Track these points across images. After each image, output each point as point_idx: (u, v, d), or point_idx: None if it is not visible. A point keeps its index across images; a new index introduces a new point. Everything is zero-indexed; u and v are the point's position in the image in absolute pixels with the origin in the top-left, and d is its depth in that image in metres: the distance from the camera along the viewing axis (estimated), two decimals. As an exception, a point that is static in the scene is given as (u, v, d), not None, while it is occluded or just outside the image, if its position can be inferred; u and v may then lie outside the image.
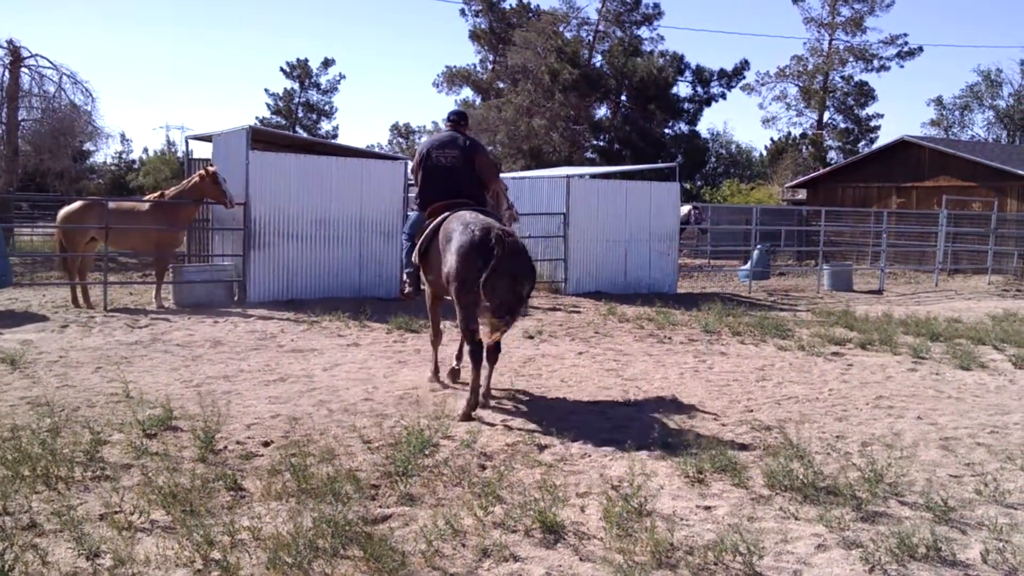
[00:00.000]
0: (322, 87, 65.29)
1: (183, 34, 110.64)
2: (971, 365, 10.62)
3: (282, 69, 64.60)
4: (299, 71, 64.22)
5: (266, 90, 67.36)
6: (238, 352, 10.32)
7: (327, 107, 65.91)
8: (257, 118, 63.47)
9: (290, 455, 5.99)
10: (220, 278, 14.82)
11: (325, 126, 65.86)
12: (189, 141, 18.79)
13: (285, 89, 64.63)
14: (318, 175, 15.19)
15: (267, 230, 14.78)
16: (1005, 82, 54.26)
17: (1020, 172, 26.02)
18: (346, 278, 15.48)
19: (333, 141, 46.97)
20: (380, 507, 5.22)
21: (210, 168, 14.61)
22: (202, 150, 18.09)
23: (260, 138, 16.47)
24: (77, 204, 14.67)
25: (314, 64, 64.41)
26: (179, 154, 46.85)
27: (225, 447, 6.36)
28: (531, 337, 11.90)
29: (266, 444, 6.49)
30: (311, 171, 15.17)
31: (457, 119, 8.78)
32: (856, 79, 53.39)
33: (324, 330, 12.05)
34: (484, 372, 7.64)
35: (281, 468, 5.71)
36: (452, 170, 8.29)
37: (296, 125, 63.16)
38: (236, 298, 14.83)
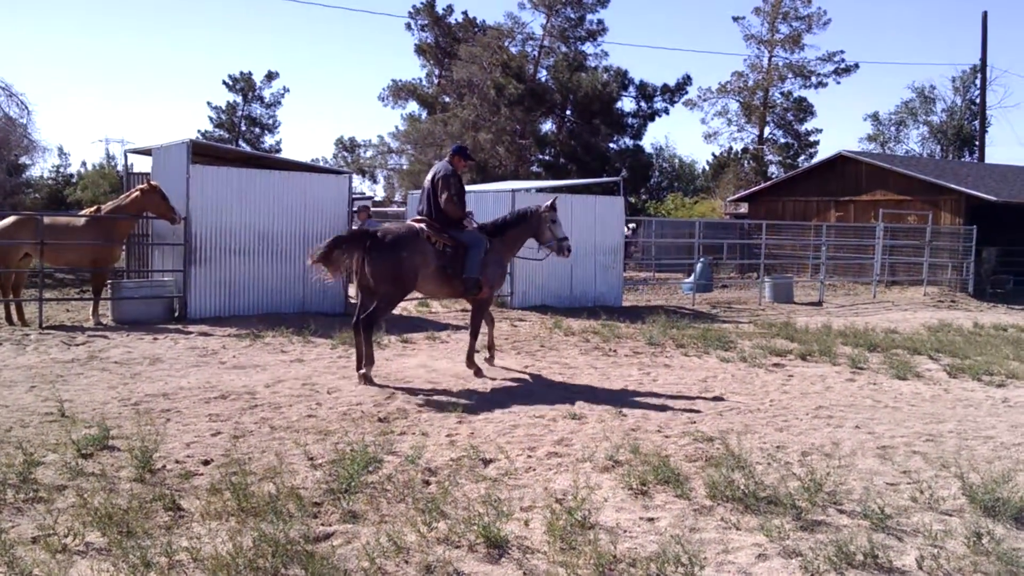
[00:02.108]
0: (266, 100, 64.61)
1: (123, 46, 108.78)
2: (907, 375, 10.87)
3: (225, 82, 63.80)
4: (242, 84, 63.50)
5: (208, 103, 66.76)
6: (178, 369, 10.14)
7: (271, 121, 65.20)
8: (199, 131, 62.59)
9: (231, 473, 5.90)
10: (159, 294, 14.55)
11: (269, 140, 65.15)
12: (128, 155, 18.47)
13: (228, 102, 63.82)
14: (261, 189, 15.03)
15: (208, 245, 14.57)
16: (938, 99, 55.80)
17: (953, 186, 26.72)
18: (289, 293, 15.32)
19: (277, 155, 46.51)
20: (322, 525, 5.16)
21: (153, 182, 14.38)
22: (142, 164, 17.82)
23: (201, 152, 16.26)
24: (10, 219, 14.31)
25: (257, 77, 63.74)
26: (118, 168, 45.95)
27: (164, 466, 6.23)
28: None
29: (206, 463, 6.39)
30: (254, 185, 15.00)
31: (451, 152, 10.51)
32: (795, 95, 54.39)
33: (267, 346, 11.91)
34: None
35: (221, 487, 5.61)
36: (425, 192, 10.19)
37: (239, 139, 62.38)
38: (176, 314, 14.57)
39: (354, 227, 15.20)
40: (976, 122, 44.37)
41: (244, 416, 7.87)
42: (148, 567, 4.40)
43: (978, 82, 40.88)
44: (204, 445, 6.86)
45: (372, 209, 32.65)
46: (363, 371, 9.62)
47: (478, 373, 10.24)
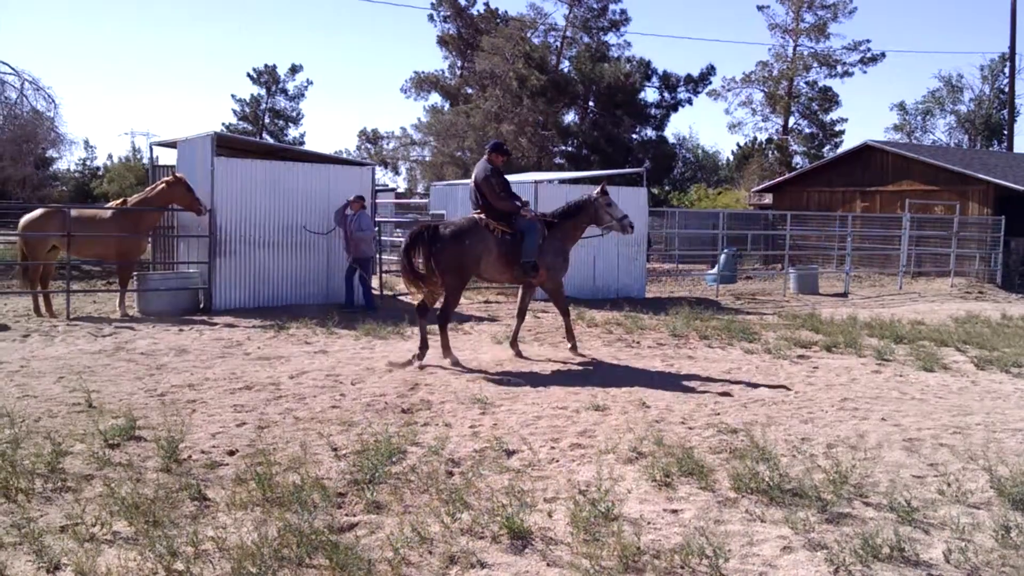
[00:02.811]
0: (289, 93, 65.07)
1: (149, 39, 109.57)
2: (934, 367, 10.76)
3: (249, 75, 64.31)
4: (266, 77, 63.91)
5: (233, 96, 67.20)
6: (203, 360, 10.22)
7: (294, 113, 65.69)
8: (224, 124, 63.07)
9: (255, 464, 5.94)
10: (185, 286, 14.67)
11: (292, 132, 65.59)
12: (154, 148, 18.61)
13: (252, 95, 64.31)
14: (284, 181, 15.11)
15: (233, 237, 14.66)
16: (966, 87, 55.26)
17: (981, 176, 26.42)
18: (314, 285, 15.40)
19: (300, 147, 46.73)
20: (347, 515, 5.18)
21: (178, 174, 14.49)
22: (167, 156, 17.88)
23: (226, 144, 16.36)
24: (38, 212, 14.47)
25: (281, 70, 64.22)
26: (144, 161, 46.34)
27: (189, 456, 6.28)
28: (499, 342, 11.89)
29: (231, 453, 6.43)
30: (277, 177, 15.08)
31: (488, 150, 10.97)
32: (820, 84, 53.96)
33: (291, 337, 11.97)
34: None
35: (246, 477, 5.66)
36: (472, 192, 10.75)
37: (263, 131, 62.81)
38: (202, 306, 14.68)
39: (347, 216, 15.04)
40: (1005, 111, 43.81)
41: (269, 407, 7.92)
42: (174, 556, 4.44)
43: (1007, 70, 40.37)
44: (229, 435, 6.91)
45: (396, 200, 32.72)
46: (449, 358, 10.28)
47: (519, 355, 10.92)
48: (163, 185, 14.38)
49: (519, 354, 10.94)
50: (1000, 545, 4.87)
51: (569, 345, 11.26)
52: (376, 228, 16.55)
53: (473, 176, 10.81)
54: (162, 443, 6.22)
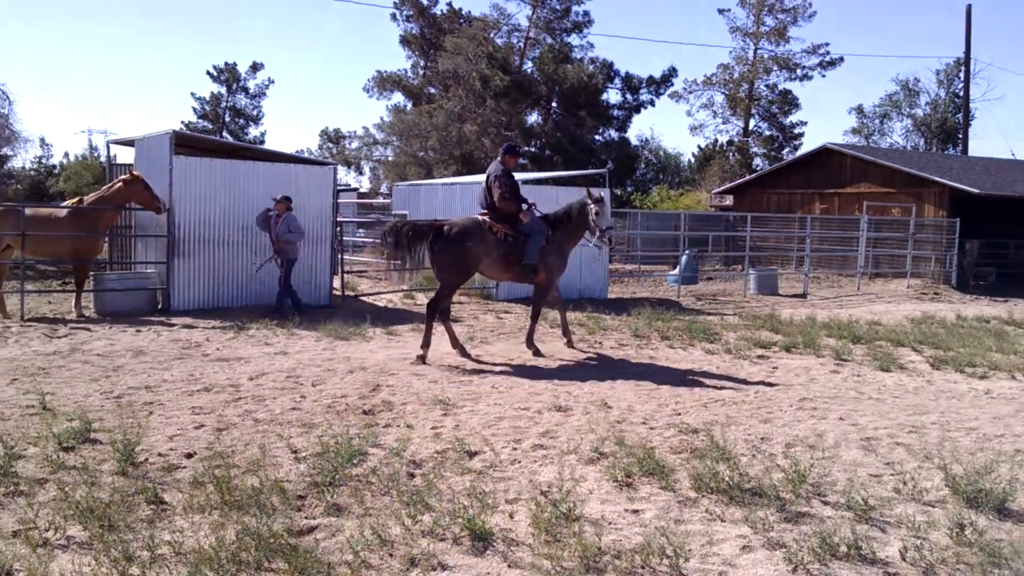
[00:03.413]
0: (250, 91, 64.30)
1: (107, 36, 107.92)
2: (891, 367, 10.92)
3: (209, 73, 63.47)
4: (227, 75, 63.14)
5: (192, 94, 66.17)
6: (161, 362, 10.08)
7: (255, 112, 64.92)
8: (183, 123, 62.21)
9: (214, 467, 5.87)
10: (143, 286, 14.46)
11: (253, 131, 64.84)
12: (111, 146, 18.34)
13: (212, 93, 63.50)
14: (245, 180, 14.95)
15: (191, 237, 14.48)
16: (923, 92, 56.09)
17: (937, 179, 26.85)
18: (274, 285, 15.23)
19: (261, 146, 46.28)
20: (306, 518, 5.14)
21: (135, 172, 14.28)
22: (125, 155, 17.65)
23: (185, 143, 16.15)
24: (-8, 210, 14.18)
25: (242, 68, 63.48)
26: (101, 159, 45.65)
27: (146, 459, 6.19)
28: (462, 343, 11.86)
29: (189, 456, 6.35)
30: (237, 176, 14.92)
31: (501, 152, 11.31)
32: (780, 88, 54.58)
33: (251, 338, 11.85)
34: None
35: (204, 480, 5.58)
36: (482, 190, 11.13)
37: (223, 130, 62.07)
38: (159, 306, 14.49)
39: (271, 217, 14.19)
40: (960, 115, 44.58)
41: (228, 409, 7.83)
42: (130, 561, 4.37)
43: (962, 75, 41.05)
44: (187, 438, 6.82)
45: (359, 200, 32.50)
46: (424, 351, 10.55)
47: (537, 353, 11.16)
48: (120, 184, 14.16)
49: (537, 352, 11.18)
50: (955, 543, 4.95)
51: (529, 349, 11.32)
52: (336, 229, 16.39)
53: (486, 174, 11.18)
54: (118, 446, 6.12)
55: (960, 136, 42.95)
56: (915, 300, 21.79)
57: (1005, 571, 4.53)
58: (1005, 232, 28.73)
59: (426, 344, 10.59)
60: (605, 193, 11.75)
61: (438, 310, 10.94)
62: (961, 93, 42.58)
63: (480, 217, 11.02)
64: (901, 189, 27.80)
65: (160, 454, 6.36)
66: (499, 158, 11.18)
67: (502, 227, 10.85)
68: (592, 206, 11.03)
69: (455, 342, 11.09)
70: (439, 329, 11.38)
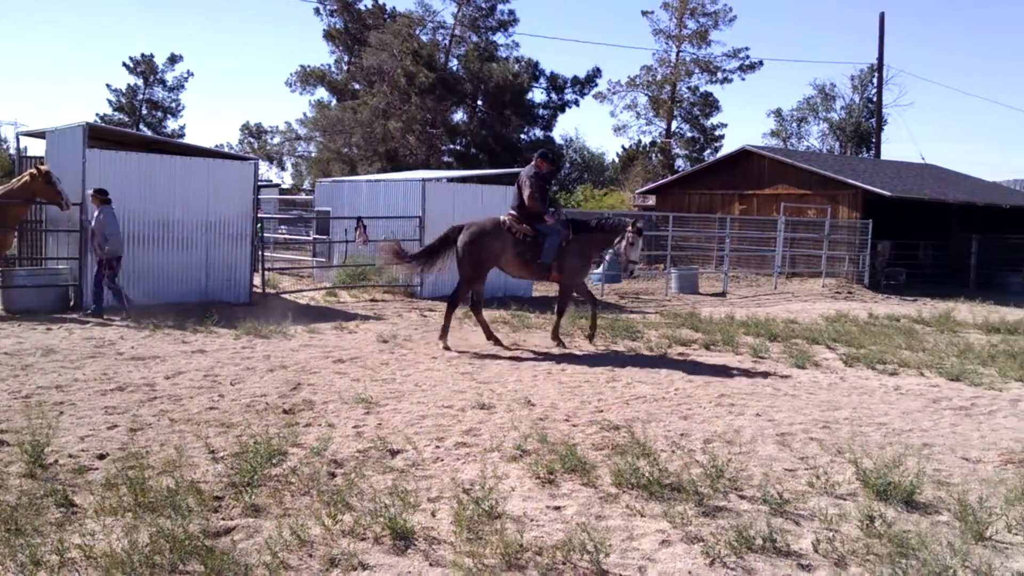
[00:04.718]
0: (168, 84, 62.90)
1: (17, 22, 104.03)
2: (806, 364, 11.20)
3: (125, 64, 61.82)
4: (143, 67, 61.60)
5: (108, 85, 64.43)
6: (73, 360, 9.76)
7: (173, 104, 63.53)
8: (98, 115, 60.49)
9: (127, 468, 5.71)
10: (54, 283, 14.00)
11: (172, 124, 63.49)
12: (21, 138, 17.71)
13: (128, 85, 61.90)
14: (162, 175, 14.58)
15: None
16: (838, 96, 57.63)
17: (850, 181, 27.62)
18: (192, 283, 14.92)
19: (179, 140, 45.26)
20: (223, 519, 5.03)
21: (42, 167, 13.79)
22: (37, 147, 17.04)
23: (99, 135, 15.68)
24: None
25: (160, 60, 61.98)
26: (11, 151, 44.03)
27: (56, 461, 5.99)
28: (385, 341, 11.79)
29: (101, 457, 6.17)
30: (154, 171, 14.54)
31: (535, 156, 12.14)
32: (702, 90, 55.60)
33: (167, 336, 11.57)
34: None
35: (117, 482, 5.42)
36: (515, 190, 11.94)
37: (140, 123, 60.54)
38: (72, 304, 14.04)
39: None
40: (873, 120, 45.96)
41: (142, 408, 7.63)
42: (38, 565, 4.23)
43: (875, 81, 42.27)
44: (100, 439, 6.63)
45: (280, 196, 31.95)
46: (443, 341, 11.57)
47: (560, 345, 11.88)
48: (27, 177, 13.67)
49: (561, 344, 11.92)
50: (865, 534, 5.10)
51: (554, 343, 12.00)
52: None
53: (520, 175, 11.88)
54: (26, 447, 5.90)
55: (873, 140, 44.29)
56: (830, 299, 22.41)
57: (912, 561, 4.69)
58: (915, 233, 29.74)
59: (444, 334, 11.60)
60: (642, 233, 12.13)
61: (457, 304, 11.95)
62: (875, 98, 43.90)
63: (502, 217, 11.84)
64: (817, 191, 28.53)
65: (71, 455, 6.16)
66: (533, 162, 11.98)
67: (522, 227, 11.58)
68: (630, 234, 11.68)
69: (488, 333, 11.95)
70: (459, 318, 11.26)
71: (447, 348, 11.34)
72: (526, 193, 11.60)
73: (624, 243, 11.77)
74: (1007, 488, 6.09)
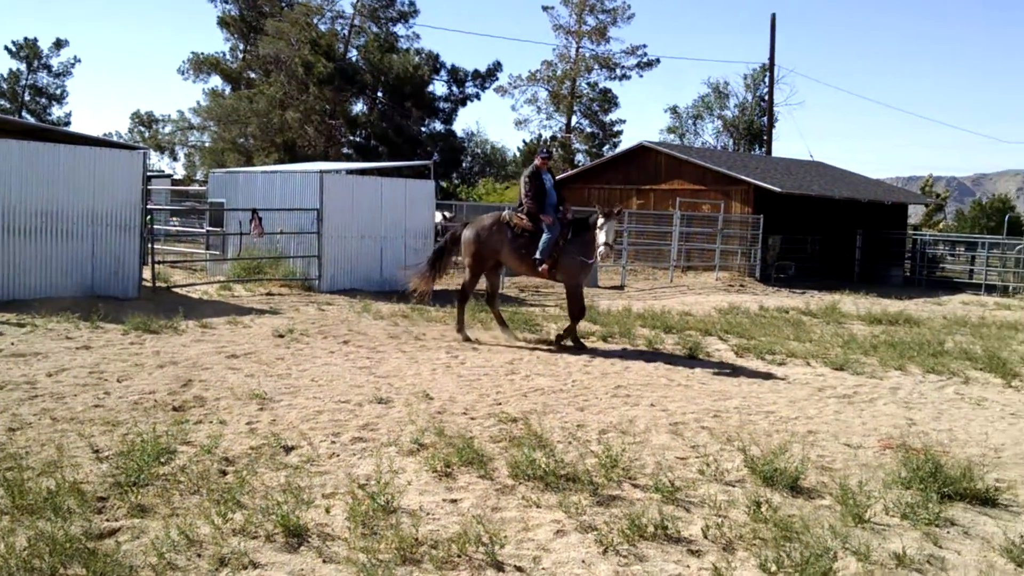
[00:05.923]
0: (53, 69, 60.32)
1: None
2: (699, 354, 11.48)
3: (7, 48, 58.98)
4: (27, 51, 58.90)
5: (-13, 70, 61.34)
6: (-54, 358, 9.28)
7: (59, 91, 60.98)
8: (-25, 100, 57.55)
9: (5, 469, 5.47)
10: (-74, 276, 13.26)
11: (57, 111, 60.92)
12: None
13: (10, 70, 59.11)
14: (45, 163, 13.94)
15: (-17, 223, 13.38)
16: (732, 95, 59.12)
17: (743, 177, 28.39)
18: (77, 276, 14.32)
19: (64, 128, 43.45)
20: (107, 520, 4.87)
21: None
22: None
23: (-25, 121, 14.91)
24: None
25: (44, 44, 59.35)
26: None
27: (-75, 464, 5.69)
28: (281, 336, 11.57)
29: (-24, 459, 5.88)
30: (36, 158, 13.90)
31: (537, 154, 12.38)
32: (601, 86, 56.30)
33: (50, 332, 11.10)
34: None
35: (-8, 484, 5.19)
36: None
37: (22, 109, 57.89)
38: (-54, 298, 13.32)
39: None
40: (765, 118, 47.33)
41: (22, 407, 7.30)
42: (-97, 575, 4.01)
43: (767, 80, 43.55)
44: (-26, 440, 6.32)
45: (172, 188, 31.02)
46: (461, 333, 12.13)
47: (582, 349, 11.72)
48: None
49: (581, 347, 11.81)
50: (752, 519, 5.27)
51: (569, 343, 11.90)
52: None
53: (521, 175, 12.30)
54: None
55: (765, 137, 45.61)
56: (723, 291, 23.02)
57: (795, 544, 4.86)
58: (803, 228, 30.78)
59: (460, 327, 12.15)
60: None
61: (467, 297, 12.48)
62: (766, 97, 45.21)
63: (505, 212, 12.36)
64: (711, 187, 29.24)
65: (-58, 458, 5.86)
66: (536, 160, 12.20)
67: (521, 222, 11.89)
68: (599, 218, 11.57)
69: (503, 326, 12.42)
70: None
71: (467, 339, 11.87)
72: (522, 193, 12.09)
73: (594, 230, 11.61)
74: (885, 472, 6.38)
